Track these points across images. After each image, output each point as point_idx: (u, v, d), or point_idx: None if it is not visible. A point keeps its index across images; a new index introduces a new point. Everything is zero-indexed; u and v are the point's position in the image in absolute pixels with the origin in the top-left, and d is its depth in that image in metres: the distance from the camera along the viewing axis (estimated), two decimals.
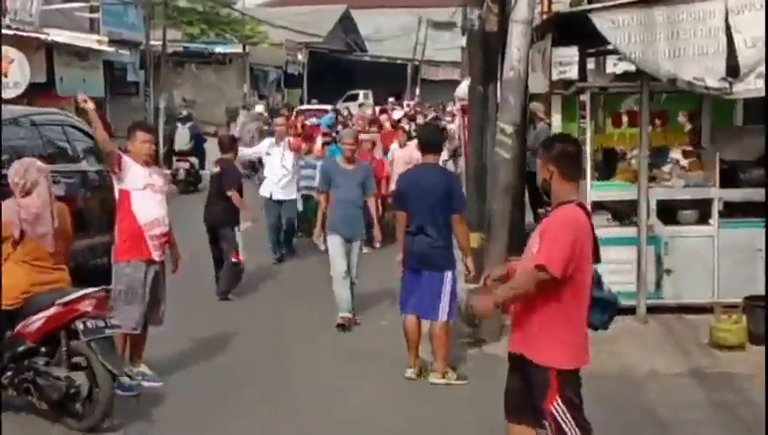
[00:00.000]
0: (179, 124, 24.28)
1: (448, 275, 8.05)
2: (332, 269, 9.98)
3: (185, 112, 25.15)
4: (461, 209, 8.18)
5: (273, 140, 14.53)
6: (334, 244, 9.98)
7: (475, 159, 9.75)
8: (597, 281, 5.08)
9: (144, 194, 7.97)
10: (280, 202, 13.96)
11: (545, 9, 15.84)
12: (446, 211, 7.99)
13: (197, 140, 23.52)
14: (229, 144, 12.33)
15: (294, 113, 32.22)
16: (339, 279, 9.87)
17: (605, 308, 5.08)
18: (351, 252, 10.06)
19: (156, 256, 8.02)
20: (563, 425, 4.90)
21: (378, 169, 14.25)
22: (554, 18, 10.73)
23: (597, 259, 5.02)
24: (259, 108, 32.15)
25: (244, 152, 14.72)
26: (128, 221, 7.94)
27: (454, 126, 21.22)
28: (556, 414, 4.90)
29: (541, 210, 13.35)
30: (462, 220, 8.13)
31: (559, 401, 4.90)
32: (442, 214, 7.98)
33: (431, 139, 8.40)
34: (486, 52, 9.45)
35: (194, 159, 23.01)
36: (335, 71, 50.53)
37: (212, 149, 18.21)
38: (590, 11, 9.26)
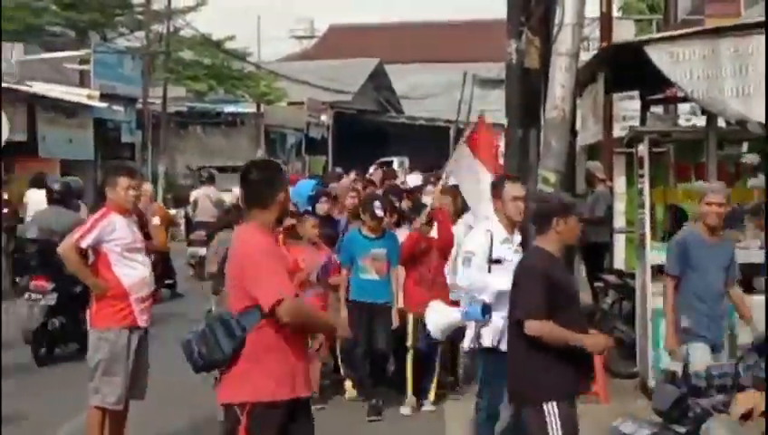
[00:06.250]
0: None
1: None
2: None
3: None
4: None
5: None
6: (699, 355, 8.13)
7: None
8: None
9: (129, 253, 8.22)
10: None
11: (603, 43, 15.66)
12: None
13: None
14: None
15: None
16: None
17: None
18: None
19: (142, 321, 8.24)
20: None
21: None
22: (606, 53, 10.99)
23: None
24: None
25: (474, 283, 8.36)
26: (110, 283, 8.12)
27: None
28: None
29: (598, 284, 13.45)
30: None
31: None
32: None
33: None
34: (526, 90, 9.68)
35: None
36: (365, 134, 50.78)
37: None
38: (646, 42, 9.51)
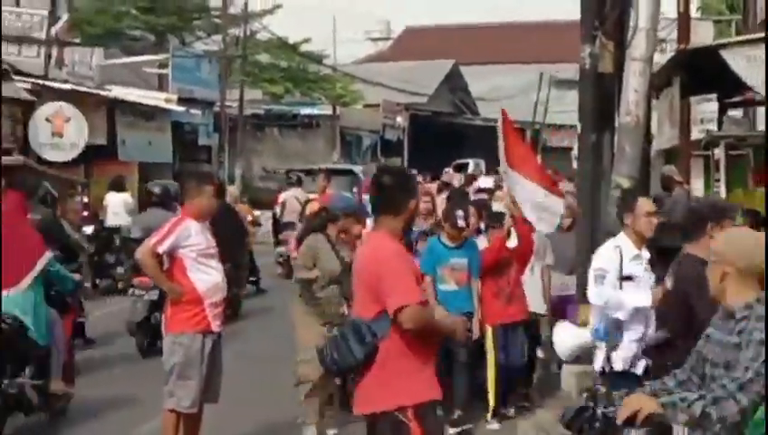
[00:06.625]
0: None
1: None
2: None
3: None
4: None
5: None
6: None
7: (587, 223, 9.77)
8: None
9: (204, 258, 8.32)
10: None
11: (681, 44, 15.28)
12: None
13: None
14: None
15: None
16: None
17: None
18: None
19: (215, 326, 8.34)
20: None
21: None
22: (683, 57, 10.89)
23: None
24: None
25: (609, 300, 7.98)
26: (185, 289, 8.23)
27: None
28: None
29: None
30: None
31: None
32: None
33: None
34: (600, 95, 9.61)
35: None
36: (441, 136, 50.57)
37: None
38: (723, 46, 9.42)
